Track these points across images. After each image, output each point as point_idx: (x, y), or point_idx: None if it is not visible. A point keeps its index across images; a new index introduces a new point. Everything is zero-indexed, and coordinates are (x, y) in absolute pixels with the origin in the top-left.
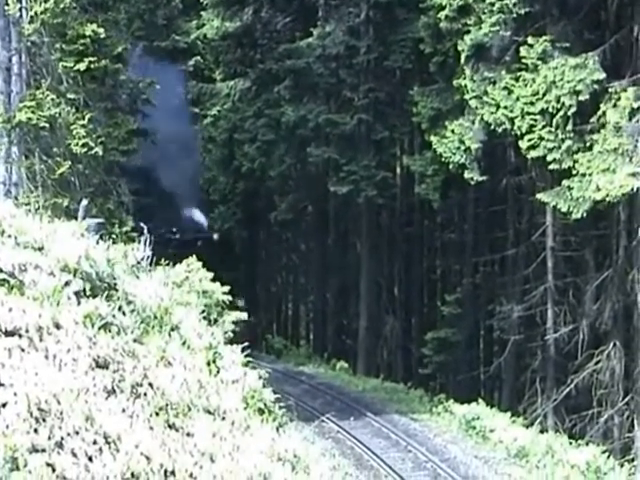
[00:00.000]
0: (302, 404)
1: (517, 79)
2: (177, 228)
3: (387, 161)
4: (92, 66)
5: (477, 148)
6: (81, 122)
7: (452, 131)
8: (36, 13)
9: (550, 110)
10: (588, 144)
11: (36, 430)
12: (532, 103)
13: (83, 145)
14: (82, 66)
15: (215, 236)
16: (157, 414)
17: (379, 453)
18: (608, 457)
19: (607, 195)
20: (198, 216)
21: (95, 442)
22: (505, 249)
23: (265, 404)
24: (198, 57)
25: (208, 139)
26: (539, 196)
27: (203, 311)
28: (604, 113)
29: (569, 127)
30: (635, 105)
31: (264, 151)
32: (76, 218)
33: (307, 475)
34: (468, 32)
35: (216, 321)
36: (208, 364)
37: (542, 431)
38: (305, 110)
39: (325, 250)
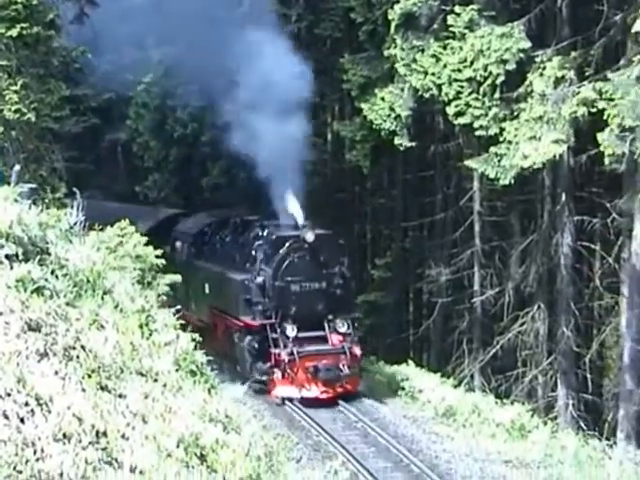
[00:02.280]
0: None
1: (445, 47)
2: (266, 224)
3: (318, 127)
4: (24, 32)
5: (407, 115)
6: (14, 88)
7: (382, 99)
8: None
9: (478, 78)
10: (515, 112)
11: None
12: (459, 70)
13: (16, 111)
14: (14, 32)
15: (309, 236)
16: (89, 376)
17: (310, 414)
18: (532, 415)
19: (533, 162)
20: (293, 209)
21: (27, 404)
22: (434, 214)
23: (197, 366)
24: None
25: (141, 105)
26: (467, 163)
27: (137, 275)
28: (530, 82)
29: (496, 95)
30: (560, 74)
31: (195, 117)
32: (9, 184)
33: (238, 435)
34: (397, 1)
35: (150, 284)
36: (141, 327)
37: (469, 391)
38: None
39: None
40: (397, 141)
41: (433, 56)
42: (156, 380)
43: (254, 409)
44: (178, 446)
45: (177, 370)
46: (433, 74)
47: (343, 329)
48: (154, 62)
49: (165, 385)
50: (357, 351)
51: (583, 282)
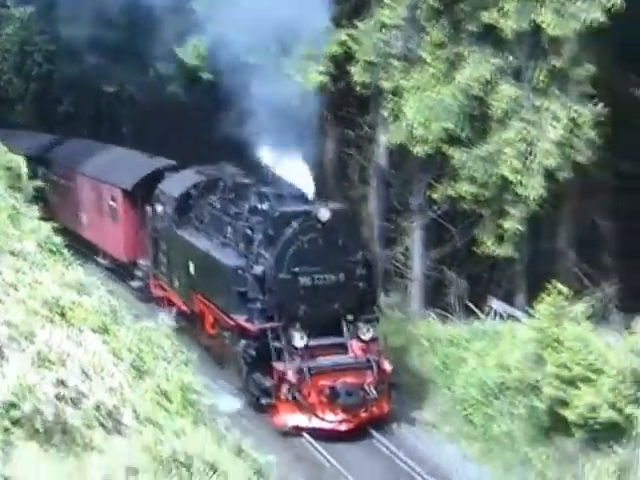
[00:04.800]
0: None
1: None
2: (265, 192)
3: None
4: None
5: None
6: None
7: None
8: None
9: None
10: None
11: None
12: None
13: None
14: None
15: (323, 213)
16: None
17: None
18: None
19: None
20: (299, 175)
21: None
22: None
23: (56, 247)
24: None
25: (5, 51)
26: None
27: (9, 181)
28: None
29: None
30: None
31: (49, 59)
32: None
33: (89, 297)
34: None
35: (19, 188)
36: (11, 219)
37: None
38: (80, 27)
39: (100, 135)
40: None
41: None
42: (25, 259)
43: (101, 280)
44: (43, 307)
45: (41, 251)
46: None
47: (368, 335)
48: (14, 17)
49: (32, 262)
50: (387, 365)
51: (345, 177)
